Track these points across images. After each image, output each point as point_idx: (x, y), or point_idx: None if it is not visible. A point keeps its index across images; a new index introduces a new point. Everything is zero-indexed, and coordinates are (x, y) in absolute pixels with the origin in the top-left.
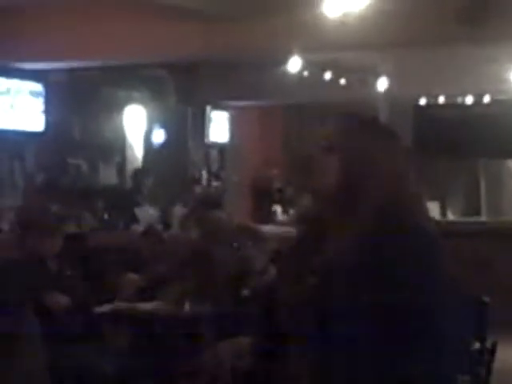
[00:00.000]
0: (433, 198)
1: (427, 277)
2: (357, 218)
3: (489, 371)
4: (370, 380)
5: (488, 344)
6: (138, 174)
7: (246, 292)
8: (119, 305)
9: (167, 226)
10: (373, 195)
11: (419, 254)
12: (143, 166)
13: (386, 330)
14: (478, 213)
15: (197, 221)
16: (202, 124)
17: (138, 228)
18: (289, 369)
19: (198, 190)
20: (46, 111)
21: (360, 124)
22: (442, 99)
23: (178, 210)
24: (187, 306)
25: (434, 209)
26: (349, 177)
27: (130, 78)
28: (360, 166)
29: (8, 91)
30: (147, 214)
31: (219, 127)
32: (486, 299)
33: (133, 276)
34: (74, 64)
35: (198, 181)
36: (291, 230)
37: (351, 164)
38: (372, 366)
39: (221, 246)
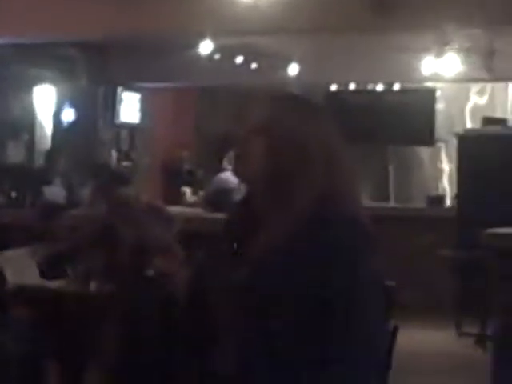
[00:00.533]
0: None
1: (360, 268)
2: (292, 204)
3: (389, 354)
4: (295, 363)
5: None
6: (51, 153)
7: (150, 272)
8: (25, 282)
9: (75, 204)
10: (309, 181)
11: (354, 243)
12: (55, 145)
13: (316, 318)
14: (386, 199)
15: (105, 197)
16: (112, 104)
17: None
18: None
19: (107, 167)
20: None
21: (293, 104)
22: (353, 86)
23: (88, 189)
24: (93, 285)
25: None
26: (282, 161)
27: (40, 57)
28: (294, 149)
29: None
30: (55, 192)
31: (130, 108)
32: (391, 283)
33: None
34: None
35: (107, 160)
36: (200, 212)
37: (284, 147)
38: (296, 350)
39: (127, 223)
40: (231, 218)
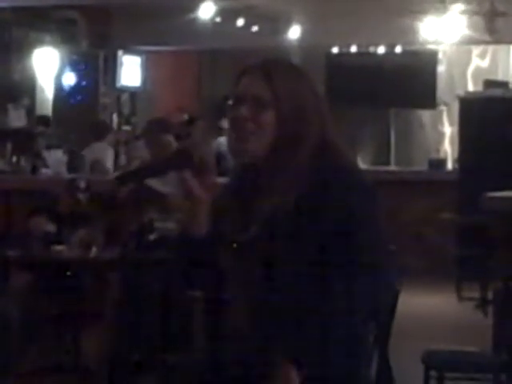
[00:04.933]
0: None
1: (365, 214)
2: (295, 165)
3: (391, 317)
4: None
5: None
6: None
7: (152, 237)
8: (30, 248)
9: (74, 169)
10: (309, 141)
11: (357, 191)
12: (56, 109)
13: (325, 272)
14: (387, 162)
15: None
16: (113, 68)
17: (47, 172)
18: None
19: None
20: None
21: (291, 73)
22: (354, 48)
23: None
24: (94, 250)
25: None
26: (288, 129)
27: (41, 20)
28: (298, 114)
29: None
30: (56, 157)
31: (131, 71)
32: (392, 247)
33: (41, 219)
34: None
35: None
36: None
37: (290, 116)
38: (305, 306)
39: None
40: (231, 183)
